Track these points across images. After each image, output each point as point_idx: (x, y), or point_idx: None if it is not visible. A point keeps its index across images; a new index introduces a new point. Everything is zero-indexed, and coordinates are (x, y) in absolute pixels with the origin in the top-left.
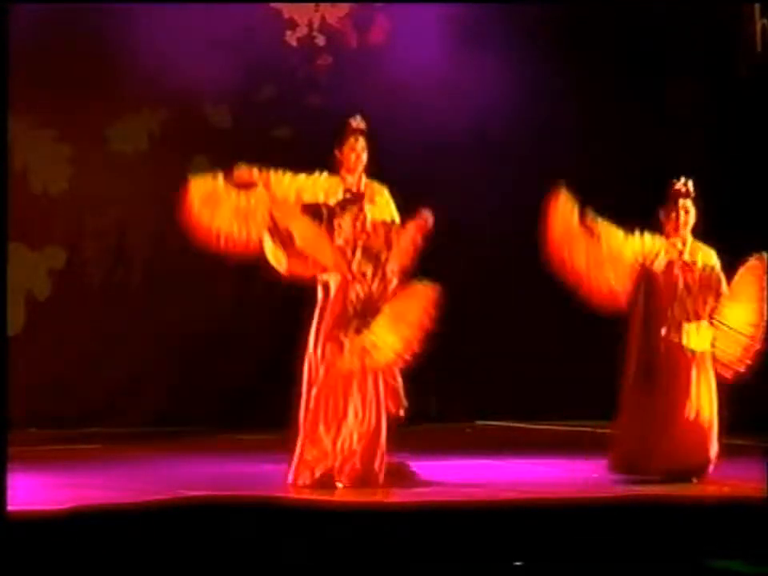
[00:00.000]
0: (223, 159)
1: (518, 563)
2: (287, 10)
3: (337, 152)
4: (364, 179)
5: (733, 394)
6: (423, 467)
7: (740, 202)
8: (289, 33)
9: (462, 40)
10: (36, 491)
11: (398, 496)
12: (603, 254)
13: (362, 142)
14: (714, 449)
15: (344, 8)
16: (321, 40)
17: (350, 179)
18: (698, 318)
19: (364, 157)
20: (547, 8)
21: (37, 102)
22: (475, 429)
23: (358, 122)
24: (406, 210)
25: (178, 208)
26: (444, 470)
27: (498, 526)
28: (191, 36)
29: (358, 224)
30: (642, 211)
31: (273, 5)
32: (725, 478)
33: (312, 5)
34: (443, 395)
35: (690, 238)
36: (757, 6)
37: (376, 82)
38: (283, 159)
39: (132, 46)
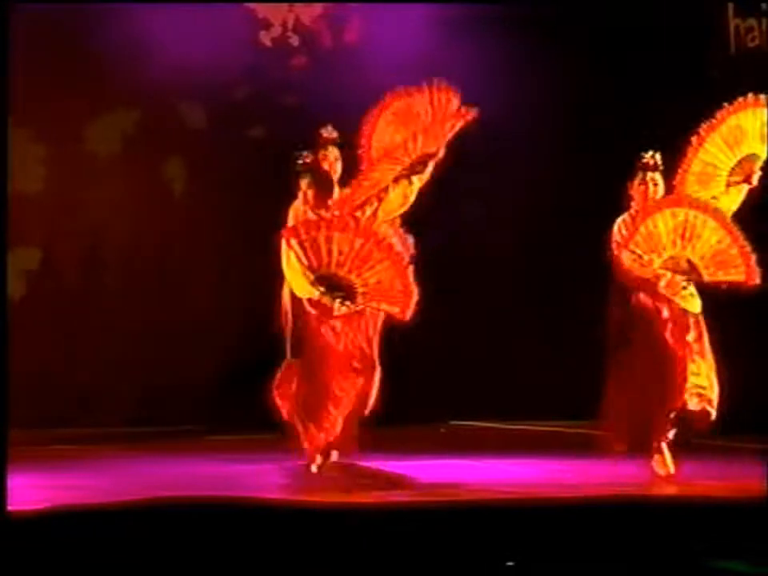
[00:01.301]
0: (198, 159)
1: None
2: (261, 9)
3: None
4: (336, 190)
5: (733, 394)
6: (397, 467)
7: None
8: (263, 33)
9: (438, 39)
10: (11, 492)
11: (370, 497)
12: None
13: (334, 152)
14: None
15: (318, 8)
16: (295, 40)
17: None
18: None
19: (337, 167)
20: (519, 8)
21: (12, 102)
22: (449, 429)
23: (329, 132)
24: None
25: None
26: (417, 470)
27: (471, 527)
28: (165, 36)
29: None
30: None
31: (247, 4)
32: (725, 478)
33: (286, 5)
34: (417, 395)
35: None
36: (730, 5)
37: (351, 82)
38: (257, 159)
39: (107, 46)
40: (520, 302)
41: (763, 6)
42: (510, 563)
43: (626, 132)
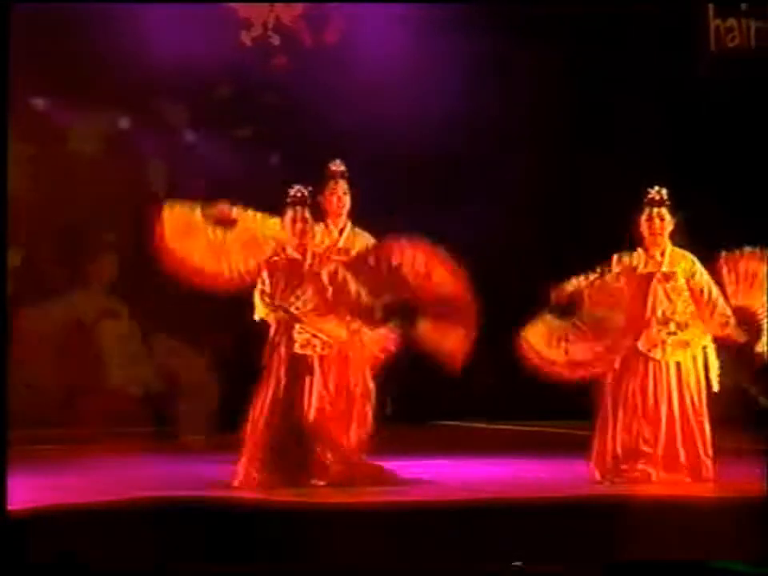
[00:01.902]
0: (180, 158)
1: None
2: (242, 9)
3: (319, 197)
4: (348, 224)
5: (732, 394)
6: (391, 467)
7: (702, 201)
8: (244, 32)
9: (418, 39)
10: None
11: (366, 497)
12: None
13: (342, 186)
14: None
15: (298, 8)
16: (276, 39)
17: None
18: (679, 327)
19: (346, 200)
20: (501, 7)
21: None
22: (429, 429)
23: (337, 166)
24: (362, 210)
25: (149, 232)
26: (398, 470)
27: (449, 526)
28: (147, 36)
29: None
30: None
31: (228, 4)
32: (725, 478)
33: (267, 4)
34: (398, 396)
35: (669, 246)
36: (710, 6)
37: (331, 81)
38: (239, 158)
39: (91, 47)
40: (519, 301)
41: (743, 6)
42: (505, 563)
43: (616, 130)
